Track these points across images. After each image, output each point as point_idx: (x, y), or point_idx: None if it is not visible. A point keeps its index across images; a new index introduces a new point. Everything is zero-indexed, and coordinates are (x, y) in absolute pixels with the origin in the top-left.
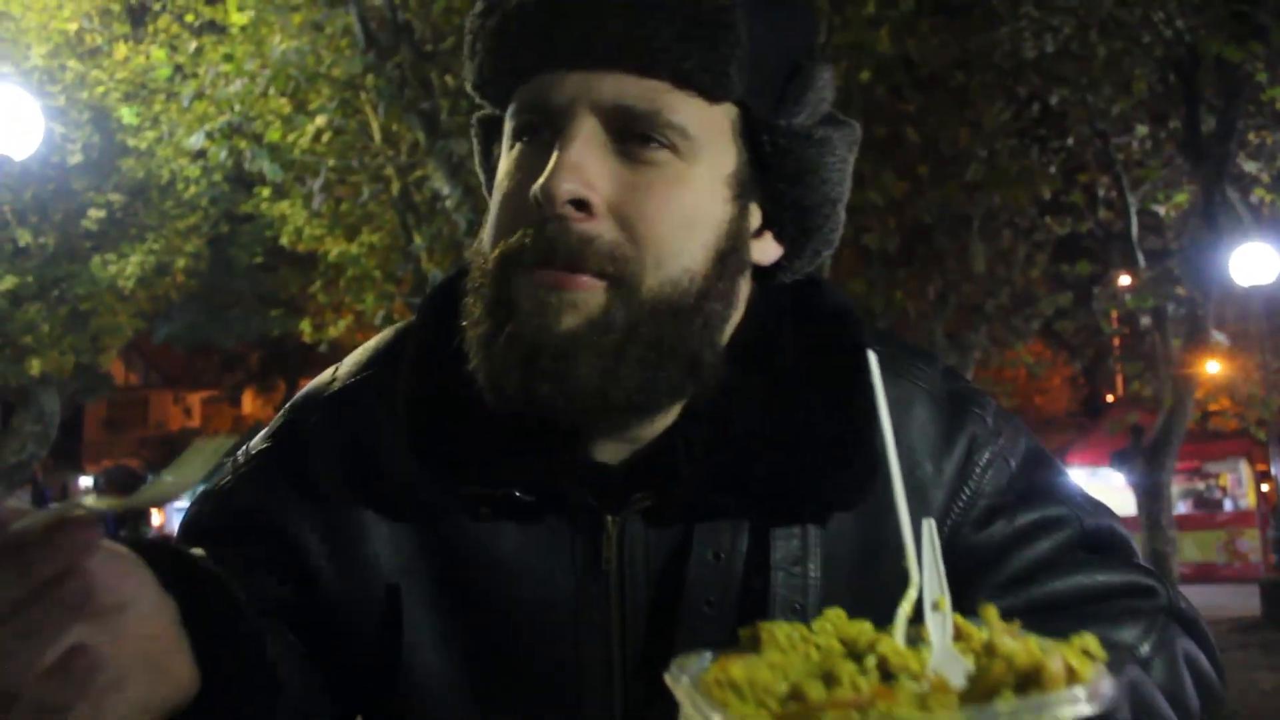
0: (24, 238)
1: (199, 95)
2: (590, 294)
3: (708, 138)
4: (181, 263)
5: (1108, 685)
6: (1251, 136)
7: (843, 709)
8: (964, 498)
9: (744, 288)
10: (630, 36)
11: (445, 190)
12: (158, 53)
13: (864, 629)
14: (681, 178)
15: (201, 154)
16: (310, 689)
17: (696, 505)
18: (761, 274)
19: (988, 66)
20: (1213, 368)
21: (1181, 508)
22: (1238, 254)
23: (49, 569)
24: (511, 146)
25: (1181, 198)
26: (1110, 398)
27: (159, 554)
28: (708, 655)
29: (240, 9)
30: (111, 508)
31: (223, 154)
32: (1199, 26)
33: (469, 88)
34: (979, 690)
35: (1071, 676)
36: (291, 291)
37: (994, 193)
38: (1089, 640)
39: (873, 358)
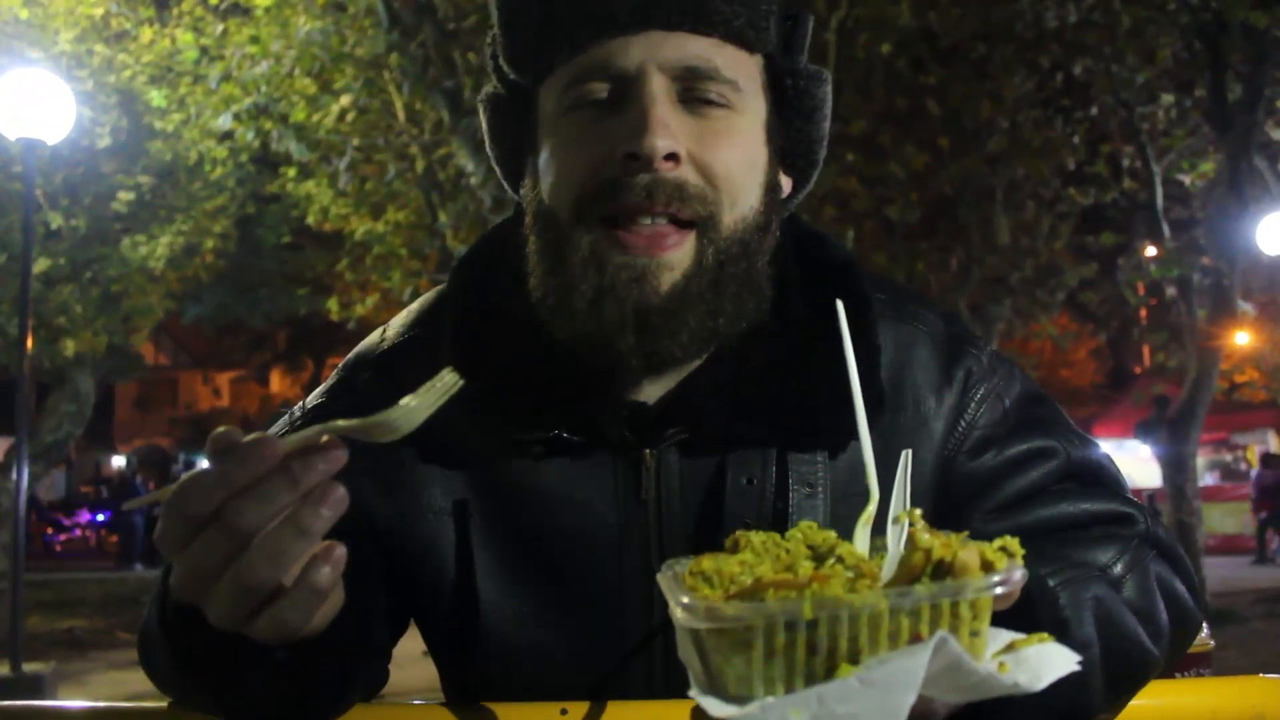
0: (56, 221)
1: (225, 77)
2: (680, 251)
3: (750, 89)
4: (210, 243)
5: (1020, 574)
6: (1279, 104)
7: (783, 588)
8: (960, 429)
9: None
10: (688, 1)
11: (470, 167)
12: (184, 36)
13: (828, 536)
14: (738, 126)
15: (228, 135)
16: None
17: (725, 437)
18: None
19: (1010, 37)
20: (1240, 338)
21: (1209, 479)
22: (1265, 223)
23: (313, 480)
24: (566, 112)
25: (1207, 166)
26: (1137, 369)
27: None
28: (691, 558)
29: None
30: (347, 431)
31: (249, 135)
32: None
33: (501, 63)
34: (902, 577)
35: (988, 568)
36: (318, 270)
37: (1017, 164)
38: (1009, 540)
39: (840, 306)
